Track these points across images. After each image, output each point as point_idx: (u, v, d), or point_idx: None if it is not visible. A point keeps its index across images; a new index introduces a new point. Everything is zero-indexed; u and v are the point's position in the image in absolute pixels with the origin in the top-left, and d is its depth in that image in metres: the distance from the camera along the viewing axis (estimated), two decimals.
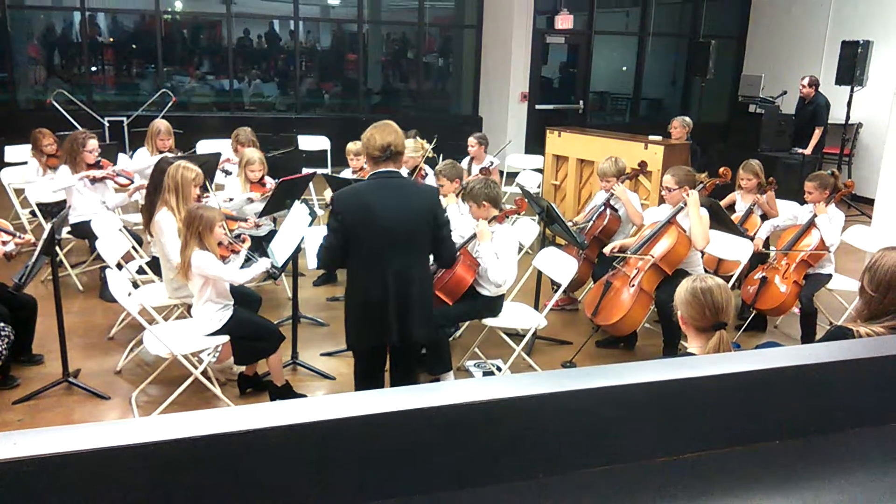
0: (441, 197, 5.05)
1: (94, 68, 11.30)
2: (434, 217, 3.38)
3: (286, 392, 4.18)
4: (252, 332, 4.05)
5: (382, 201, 3.25)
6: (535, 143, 10.00)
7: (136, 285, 4.68)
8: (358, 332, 3.43)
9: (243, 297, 4.27)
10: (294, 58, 11.81)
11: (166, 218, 4.32)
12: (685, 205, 4.68)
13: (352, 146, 6.18)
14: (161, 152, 6.11)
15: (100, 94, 11.15)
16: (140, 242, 5.46)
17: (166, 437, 0.84)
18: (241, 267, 4.12)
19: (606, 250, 4.89)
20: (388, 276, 3.29)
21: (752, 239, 5.09)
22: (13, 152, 7.03)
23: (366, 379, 3.56)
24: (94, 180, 5.61)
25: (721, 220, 5.05)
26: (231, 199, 5.52)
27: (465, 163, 7.27)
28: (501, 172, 7.65)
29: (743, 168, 5.60)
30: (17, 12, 10.68)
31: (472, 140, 7.17)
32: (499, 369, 4.67)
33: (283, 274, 5.19)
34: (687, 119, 7.60)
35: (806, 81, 9.13)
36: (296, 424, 0.89)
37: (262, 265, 4.12)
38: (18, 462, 0.78)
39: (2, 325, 4.04)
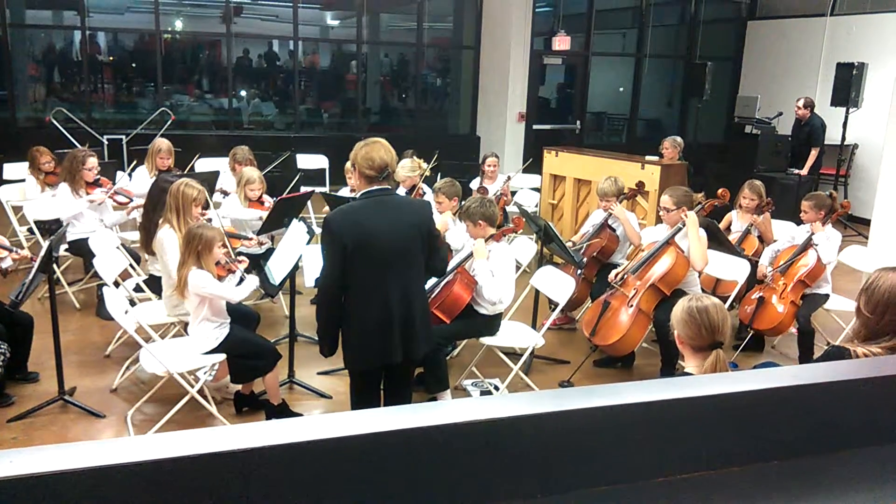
0: (438, 215, 5.07)
1: (93, 87, 11.34)
2: (428, 231, 3.34)
3: (282, 411, 4.16)
4: (249, 351, 4.04)
5: (379, 222, 3.18)
6: (532, 163, 10.05)
7: (132, 303, 4.67)
8: (359, 353, 3.35)
9: (241, 315, 4.26)
10: (293, 77, 11.88)
11: (168, 236, 4.32)
12: (683, 225, 4.69)
13: (350, 165, 6.19)
14: (160, 171, 6.13)
15: (99, 113, 11.19)
16: (138, 260, 5.45)
17: (162, 455, 0.84)
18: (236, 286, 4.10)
19: (610, 277, 4.86)
20: (389, 297, 3.23)
21: (749, 259, 5.09)
22: (11, 170, 7.04)
23: (363, 397, 3.50)
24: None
25: (719, 240, 5.07)
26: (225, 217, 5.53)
27: (476, 184, 7.27)
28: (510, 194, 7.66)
29: (748, 188, 5.59)
30: (18, 31, 10.74)
31: (492, 160, 7.17)
32: (496, 388, 4.65)
33: (280, 292, 5.18)
34: (678, 139, 7.62)
35: (801, 103, 9.19)
36: (292, 443, 0.89)
37: (252, 283, 4.11)
38: (15, 481, 0.78)
39: None
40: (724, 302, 3.08)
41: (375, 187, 3.23)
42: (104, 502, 0.82)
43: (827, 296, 5.12)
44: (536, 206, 7.68)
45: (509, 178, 7.21)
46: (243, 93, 11.60)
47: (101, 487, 0.82)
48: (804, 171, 9.07)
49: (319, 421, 0.93)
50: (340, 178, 6.65)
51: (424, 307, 3.47)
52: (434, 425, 0.95)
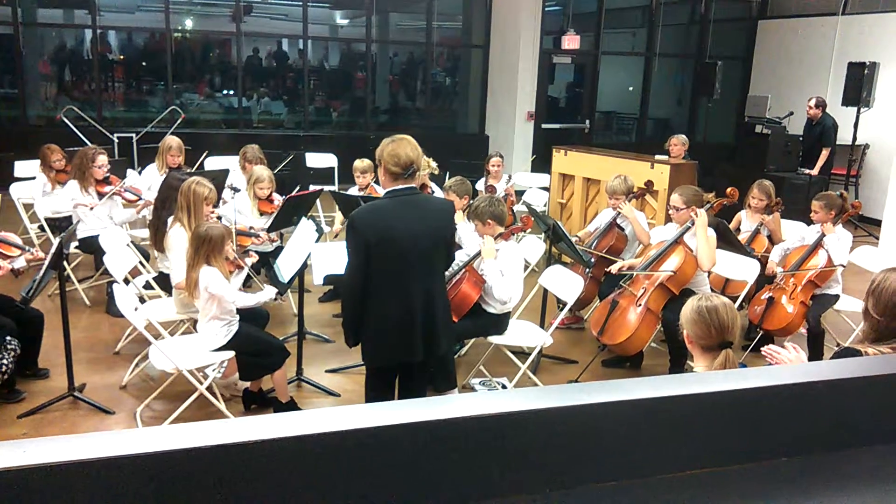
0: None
1: (104, 85, 11.40)
2: (451, 233, 3.44)
3: (291, 408, 4.17)
4: (257, 348, 4.05)
5: (404, 220, 3.20)
6: (541, 162, 10.04)
7: (142, 300, 4.69)
8: (382, 350, 3.36)
9: (250, 313, 4.27)
10: (303, 76, 11.90)
11: (179, 234, 4.33)
12: (692, 224, 4.68)
13: (359, 164, 6.19)
14: (170, 168, 6.15)
15: (109, 111, 11.25)
16: (147, 258, 5.47)
17: (171, 447, 0.85)
18: (244, 283, 4.09)
19: (613, 269, 4.89)
20: (411, 295, 3.25)
21: (759, 259, 5.07)
22: (23, 167, 7.08)
23: (379, 393, 3.52)
24: (101, 195, 5.66)
25: (728, 240, 5.05)
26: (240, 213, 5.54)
27: (481, 184, 7.25)
28: (519, 193, 7.64)
29: (758, 188, 5.57)
30: (30, 29, 10.81)
31: (496, 159, 7.14)
32: (504, 387, 4.65)
33: (288, 290, 5.19)
34: (684, 137, 7.64)
35: (813, 102, 9.13)
36: (300, 436, 0.89)
37: (267, 293, 4.11)
38: (28, 470, 0.79)
39: (9, 338, 4.05)
40: (734, 302, 3.07)
41: (401, 186, 3.23)
42: (116, 493, 0.83)
43: (837, 296, 5.09)
44: (545, 205, 7.67)
45: (510, 177, 7.19)
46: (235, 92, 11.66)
47: (111, 478, 0.82)
48: (815, 171, 9.02)
49: (327, 414, 0.93)
50: (349, 176, 6.66)
51: (446, 305, 3.51)
52: (441, 419, 0.95)
